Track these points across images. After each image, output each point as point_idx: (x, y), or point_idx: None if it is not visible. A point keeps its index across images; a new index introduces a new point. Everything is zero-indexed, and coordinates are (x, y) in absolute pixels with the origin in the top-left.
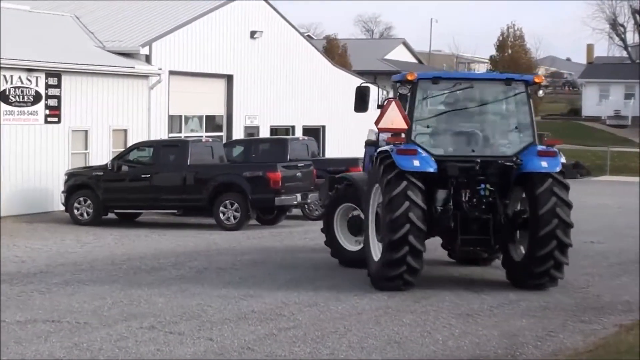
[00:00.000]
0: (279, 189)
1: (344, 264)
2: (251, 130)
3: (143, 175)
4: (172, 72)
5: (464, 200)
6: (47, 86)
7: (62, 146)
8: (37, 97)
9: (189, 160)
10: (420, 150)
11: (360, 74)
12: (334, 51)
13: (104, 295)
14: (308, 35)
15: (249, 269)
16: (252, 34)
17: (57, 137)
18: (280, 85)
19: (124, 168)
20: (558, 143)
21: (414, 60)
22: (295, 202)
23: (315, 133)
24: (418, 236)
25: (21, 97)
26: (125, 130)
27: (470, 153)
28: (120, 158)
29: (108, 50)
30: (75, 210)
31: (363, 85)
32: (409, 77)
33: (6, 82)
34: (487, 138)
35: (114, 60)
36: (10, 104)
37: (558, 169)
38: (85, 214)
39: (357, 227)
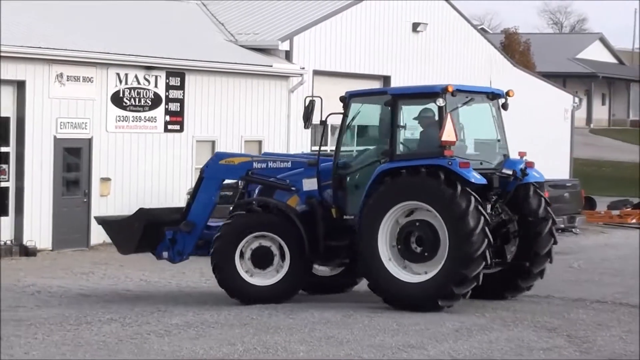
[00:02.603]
0: None
1: (246, 302)
2: None
3: None
4: (316, 72)
5: (488, 213)
6: (168, 87)
7: (185, 159)
8: (155, 101)
9: None
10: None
11: (546, 76)
12: (514, 48)
13: (233, 340)
14: (482, 29)
15: (407, 313)
16: (415, 26)
17: (179, 149)
18: None
19: None
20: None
21: (612, 59)
22: None
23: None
24: (489, 251)
25: (137, 100)
26: (260, 142)
27: (480, 166)
28: None
29: (241, 45)
30: None
31: (311, 98)
32: (450, 89)
33: (120, 82)
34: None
35: (247, 57)
36: (124, 108)
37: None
38: None
39: (266, 259)
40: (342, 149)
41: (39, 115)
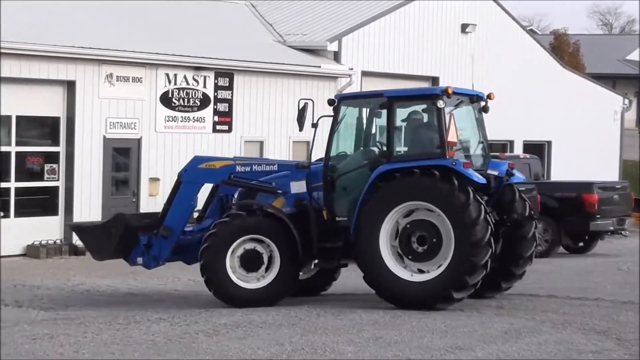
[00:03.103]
0: None
1: (235, 305)
2: None
3: None
4: (364, 73)
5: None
6: (217, 88)
7: None
8: (204, 101)
9: None
10: None
11: (595, 77)
12: (563, 49)
13: (281, 340)
14: (531, 29)
15: (456, 314)
16: (463, 27)
17: (227, 149)
18: (495, 90)
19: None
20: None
21: None
22: None
23: (538, 150)
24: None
25: (186, 100)
26: (308, 142)
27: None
28: None
29: (289, 46)
30: None
31: (305, 101)
32: (449, 91)
33: (169, 82)
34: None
35: (296, 57)
36: (173, 108)
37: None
38: None
39: (254, 262)
40: (333, 151)
41: (88, 115)
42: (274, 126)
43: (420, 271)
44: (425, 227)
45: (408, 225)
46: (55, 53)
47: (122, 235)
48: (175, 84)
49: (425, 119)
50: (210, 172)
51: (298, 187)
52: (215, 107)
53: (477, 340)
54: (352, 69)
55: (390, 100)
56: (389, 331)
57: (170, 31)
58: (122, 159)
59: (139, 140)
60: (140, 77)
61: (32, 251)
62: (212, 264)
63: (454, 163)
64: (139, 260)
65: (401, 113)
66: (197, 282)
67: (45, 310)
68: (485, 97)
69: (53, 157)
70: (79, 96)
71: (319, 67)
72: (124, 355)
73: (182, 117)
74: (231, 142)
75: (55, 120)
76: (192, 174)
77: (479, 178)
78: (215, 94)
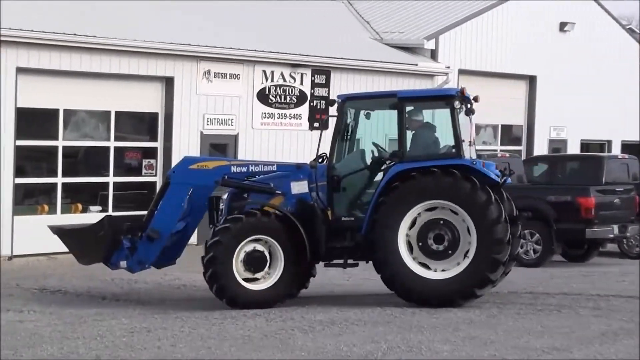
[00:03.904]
0: (592, 218)
1: (235, 305)
2: (557, 145)
3: None
4: (461, 72)
5: None
6: (314, 85)
7: None
8: (301, 98)
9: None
10: None
11: None
12: None
13: (377, 338)
14: (630, 28)
15: (553, 315)
16: (562, 26)
17: (323, 146)
18: (594, 89)
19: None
20: None
21: None
22: (611, 235)
23: (637, 150)
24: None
25: (283, 97)
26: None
27: None
28: None
29: (386, 44)
30: None
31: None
32: (465, 92)
33: (266, 79)
34: None
35: (393, 55)
36: (269, 105)
37: None
38: None
39: (258, 263)
40: (338, 151)
41: (186, 111)
42: (370, 124)
43: (439, 269)
44: (442, 226)
45: (426, 224)
46: (154, 50)
47: (111, 239)
48: (272, 80)
49: (437, 120)
50: (202, 173)
51: (299, 187)
52: (311, 104)
53: (574, 342)
54: (448, 67)
55: (403, 101)
56: (484, 330)
57: (267, 28)
58: (218, 155)
59: (235, 137)
60: (238, 74)
61: None
62: (221, 259)
63: (474, 162)
64: (122, 264)
65: (419, 113)
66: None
67: (143, 304)
68: (472, 99)
69: (151, 153)
70: (177, 92)
71: (416, 65)
72: (220, 350)
73: (278, 114)
74: (327, 139)
75: (153, 116)
76: (181, 175)
77: (496, 177)
78: (312, 91)
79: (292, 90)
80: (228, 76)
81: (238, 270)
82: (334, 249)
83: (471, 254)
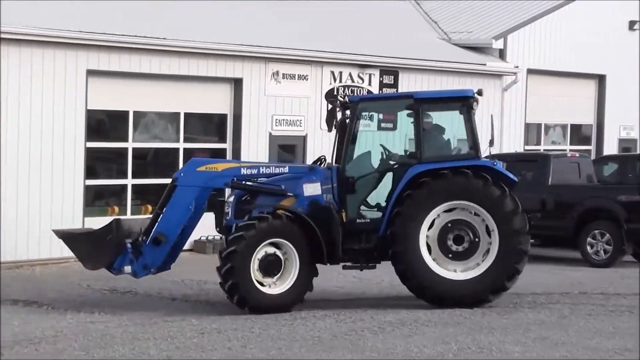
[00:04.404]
0: None
1: (257, 312)
2: (627, 144)
3: None
4: (530, 71)
5: None
6: (382, 85)
7: None
8: None
9: (550, 179)
10: None
11: None
12: None
13: (447, 339)
14: None
15: (625, 316)
16: (631, 24)
17: (392, 147)
18: None
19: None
20: None
21: None
22: None
23: None
24: None
25: None
26: None
27: None
28: None
29: (454, 44)
30: None
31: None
32: (482, 93)
33: (334, 79)
34: None
35: (460, 55)
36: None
37: None
38: None
39: (273, 267)
40: (352, 153)
41: (255, 112)
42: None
43: (458, 270)
44: (463, 227)
45: (445, 225)
46: (223, 51)
47: (119, 243)
48: (340, 81)
49: (455, 121)
50: (211, 175)
51: (311, 189)
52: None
53: None
54: (517, 66)
55: (419, 102)
56: (555, 332)
57: (335, 29)
58: (287, 156)
59: (304, 138)
60: (306, 75)
61: (199, 246)
62: (239, 269)
63: (494, 163)
64: (127, 268)
65: (435, 115)
66: (362, 280)
67: (212, 305)
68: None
69: (220, 154)
70: (245, 93)
71: (484, 64)
72: (290, 351)
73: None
74: (395, 139)
75: (222, 118)
76: (189, 178)
77: (514, 178)
78: (380, 91)
79: (360, 90)
80: (296, 77)
81: (255, 276)
82: (348, 250)
83: (494, 250)
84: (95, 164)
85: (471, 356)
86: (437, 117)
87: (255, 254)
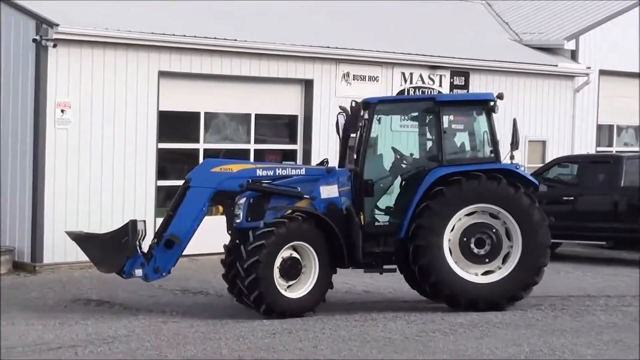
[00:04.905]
0: None
1: (283, 317)
2: None
3: (564, 198)
4: (602, 72)
5: None
6: (452, 86)
7: None
8: None
9: (622, 181)
10: None
11: None
12: None
13: (519, 341)
14: None
15: None
16: None
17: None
18: None
19: (542, 188)
20: None
21: None
22: None
23: None
24: None
25: None
26: (544, 142)
27: None
28: (537, 175)
29: (525, 44)
30: None
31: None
32: (502, 97)
33: (405, 81)
34: None
35: (532, 56)
36: None
37: None
38: None
39: (294, 271)
40: (370, 156)
41: (325, 113)
42: (510, 125)
43: (479, 273)
44: (485, 230)
45: (467, 228)
46: (294, 52)
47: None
48: (411, 82)
49: (474, 125)
50: (226, 176)
51: (329, 191)
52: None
53: None
54: (589, 67)
55: (440, 105)
56: (629, 334)
57: (406, 30)
58: None
59: (375, 139)
60: (377, 76)
61: None
62: (264, 278)
63: (517, 167)
64: (137, 272)
65: (455, 117)
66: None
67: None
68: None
69: (290, 155)
70: (316, 95)
71: (556, 66)
72: (361, 352)
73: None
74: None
75: (293, 119)
76: (202, 179)
77: (536, 182)
78: (451, 92)
79: (431, 92)
80: (367, 78)
81: (278, 282)
82: (368, 254)
83: (515, 258)
84: (167, 164)
85: (543, 358)
86: (458, 120)
87: (276, 260)
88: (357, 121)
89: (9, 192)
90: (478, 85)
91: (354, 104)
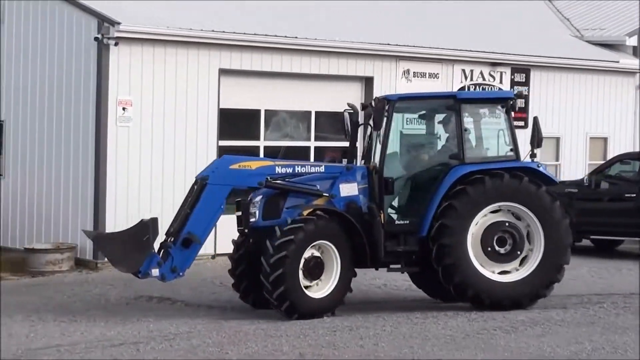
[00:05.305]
0: None
1: (305, 317)
2: None
3: (627, 195)
4: None
5: None
6: (513, 83)
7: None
8: None
9: None
10: None
11: None
12: None
13: (581, 339)
14: None
15: None
16: None
17: (522, 146)
18: None
19: (604, 185)
20: None
21: None
22: None
23: None
24: None
25: None
26: (605, 139)
27: None
28: (599, 172)
29: (586, 41)
30: None
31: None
32: (522, 95)
33: (465, 78)
34: None
35: (593, 52)
36: None
37: None
38: None
39: (317, 270)
40: (389, 153)
41: None
42: (570, 122)
43: (496, 271)
44: (507, 228)
45: (489, 227)
46: (354, 50)
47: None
48: (471, 79)
49: (496, 122)
50: (245, 173)
51: (349, 189)
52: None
53: None
54: None
55: (460, 102)
56: None
57: (466, 27)
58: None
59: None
60: (437, 73)
61: None
62: (290, 274)
63: (539, 165)
64: (154, 272)
65: (476, 115)
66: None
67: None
68: (515, 95)
69: (350, 152)
70: (376, 92)
71: (617, 62)
72: (422, 350)
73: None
74: (527, 138)
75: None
76: (221, 176)
77: (556, 180)
78: (512, 89)
79: (491, 89)
80: (427, 75)
81: (302, 281)
82: (390, 253)
83: (537, 256)
84: None
85: (605, 356)
86: (477, 117)
87: (301, 261)
88: (382, 118)
89: (71, 190)
90: (539, 82)
91: (349, 107)
